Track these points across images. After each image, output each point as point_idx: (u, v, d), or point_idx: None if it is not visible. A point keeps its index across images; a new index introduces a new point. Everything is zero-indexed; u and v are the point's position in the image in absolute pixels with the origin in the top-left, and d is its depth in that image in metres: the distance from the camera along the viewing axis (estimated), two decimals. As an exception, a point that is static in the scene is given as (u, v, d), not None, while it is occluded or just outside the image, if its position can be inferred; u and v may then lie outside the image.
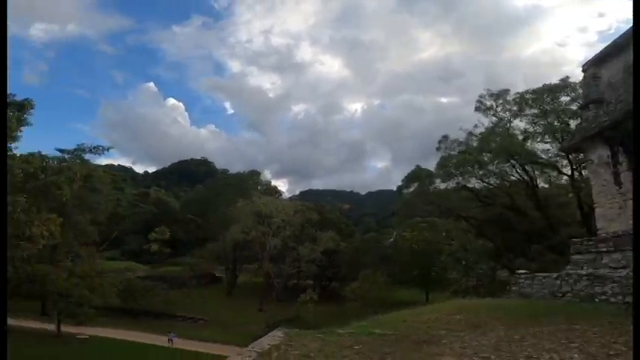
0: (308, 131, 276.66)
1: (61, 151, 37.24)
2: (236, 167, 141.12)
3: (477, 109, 34.64)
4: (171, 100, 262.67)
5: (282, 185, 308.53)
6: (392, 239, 53.40)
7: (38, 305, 37.34)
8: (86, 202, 37.57)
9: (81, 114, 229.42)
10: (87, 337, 31.16)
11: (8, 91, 26.24)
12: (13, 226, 27.37)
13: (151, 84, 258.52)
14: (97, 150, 38.34)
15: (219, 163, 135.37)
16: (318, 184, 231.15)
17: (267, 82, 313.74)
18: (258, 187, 68.48)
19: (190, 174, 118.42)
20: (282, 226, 51.10)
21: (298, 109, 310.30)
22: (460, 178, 33.71)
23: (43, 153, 32.83)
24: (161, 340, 32.00)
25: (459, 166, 32.78)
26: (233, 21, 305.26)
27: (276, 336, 8.34)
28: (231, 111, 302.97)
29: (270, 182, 79.87)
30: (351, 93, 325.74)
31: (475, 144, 33.97)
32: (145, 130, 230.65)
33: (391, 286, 44.71)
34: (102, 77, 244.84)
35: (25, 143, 30.88)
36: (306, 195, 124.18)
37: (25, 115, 26.41)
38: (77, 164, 35.09)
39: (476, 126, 34.92)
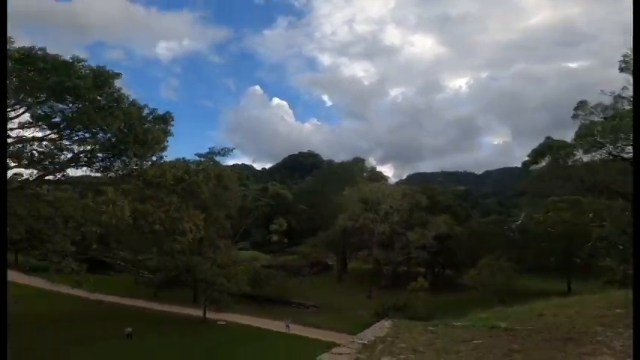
0: (409, 114, 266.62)
1: (198, 155, 42.72)
2: (341, 156, 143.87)
3: (622, 69, 28.54)
4: (276, 100, 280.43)
5: (387, 170, 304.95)
6: (519, 221, 47.63)
7: (191, 293, 41.03)
8: (220, 198, 42.22)
9: (210, 122, 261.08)
10: (225, 322, 34.11)
11: (153, 107, 30.70)
12: (168, 223, 32.17)
13: (257, 87, 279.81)
14: (224, 152, 42.95)
15: (325, 154, 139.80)
16: (426, 167, 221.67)
17: (359, 71, 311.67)
18: (364, 174, 68.16)
19: (300, 167, 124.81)
20: (389, 211, 49.96)
21: (395, 92, 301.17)
22: (611, 147, 28.04)
23: (186, 158, 37.71)
24: (279, 326, 33.80)
25: (610, 133, 27.21)
26: (315, 15, 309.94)
27: (382, 327, 7.61)
28: (329, 103, 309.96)
29: (375, 168, 79.00)
30: (451, 69, 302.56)
31: (627, 107, 28.00)
32: (259, 130, 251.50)
33: (518, 274, 39.85)
34: (218, 86, 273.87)
35: (170, 151, 35.87)
36: (414, 178, 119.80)
37: (168, 127, 30.49)
38: (210, 165, 39.50)
39: (624, 88, 28.74)
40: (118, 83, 27.26)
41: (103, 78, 25.66)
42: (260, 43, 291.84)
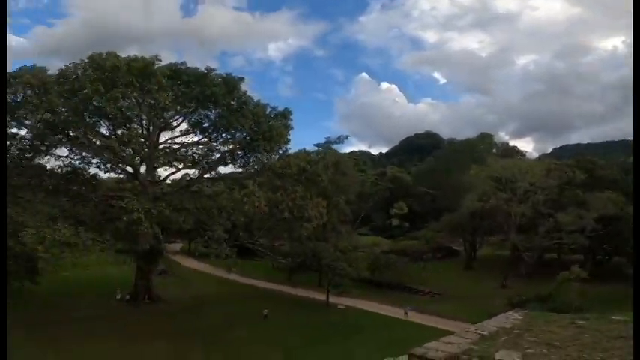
0: (546, 81, 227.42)
1: (317, 145, 45.11)
2: (464, 134, 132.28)
3: None
4: (385, 84, 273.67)
5: (525, 145, 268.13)
6: None
7: (316, 278, 41.78)
8: (339, 185, 43.73)
9: (324, 113, 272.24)
10: (344, 306, 34.55)
11: (273, 105, 33.24)
12: (296, 211, 34.82)
13: (364, 74, 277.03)
14: (340, 140, 44.42)
15: (445, 134, 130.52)
16: (578, 138, 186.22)
17: (472, 43, 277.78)
18: (493, 151, 61.23)
19: (418, 148, 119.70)
20: (530, 190, 43.36)
21: (524, 60, 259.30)
22: None
23: (307, 149, 40.20)
24: (397, 312, 32.75)
25: None
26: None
27: (509, 318, 6.60)
28: (442, 80, 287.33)
29: (508, 143, 70.12)
30: (596, 30, 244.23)
31: None
32: (372, 115, 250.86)
33: None
34: (327, 77, 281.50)
35: (293, 144, 38.61)
36: (564, 151, 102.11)
37: (288, 122, 32.84)
38: (328, 154, 41.14)
39: None
40: (243, 87, 30.69)
41: (231, 84, 29.16)
42: (358, 31, 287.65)
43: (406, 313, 32.18)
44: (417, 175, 77.27)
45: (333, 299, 35.06)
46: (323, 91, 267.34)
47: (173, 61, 29.75)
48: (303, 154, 35.70)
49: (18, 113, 24.32)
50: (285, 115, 32.24)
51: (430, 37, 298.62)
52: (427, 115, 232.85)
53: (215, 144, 32.36)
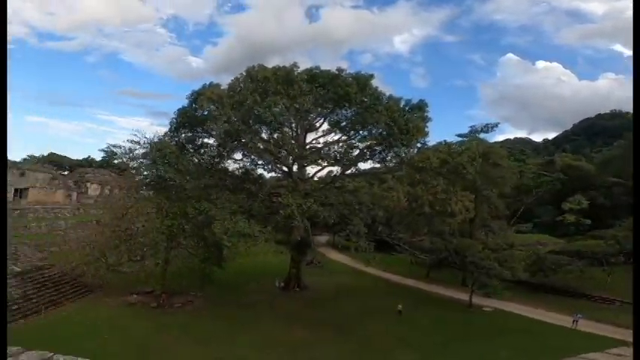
0: None
1: (459, 136, 41.68)
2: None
3: None
4: (542, 63, 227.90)
5: None
6: None
7: (460, 276, 39.15)
8: (490, 177, 39.26)
9: (466, 101, 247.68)
10: (491, 309, 31.06)
11: (407, 98, 32.30)
12: (437, 205, 33.04)
13: (510, 55, 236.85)
14: (488, 128, 39.73)
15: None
16: None
17: None
18: None
19: (601, 131, 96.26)
20: None
21: None
22: None
23: (447, 141, 37.55)
24: (563, 320, 27.43)
25: None
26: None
27: None
28: (627, 53, 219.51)
29: None
30: None
31: None
32: (527, 98, 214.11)
33: None
34: (463, 63, 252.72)
35: (432, 136, 36.72)
36: None
37: (424, 114, 31.42)
38: (474, 144, 37.45)
39: None
40: (374, 83, 30.80)
41: (362, 82, 29.73)
42: (495, 10, 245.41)
43: (575, 322, 26.76)
44: (602, 163, 62.42)
45: (477, 300, 31.92)
46: (461, 77, 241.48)
47: (308, 66, 32.27)
48: (443, 145, 33.56)
49: (206, 125, 30.64)
50: (420, 107, 31.01)
51: (595, 6, 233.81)
52: (610, 92, 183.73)
53: (353, 141, 33.38)
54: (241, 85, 29.20)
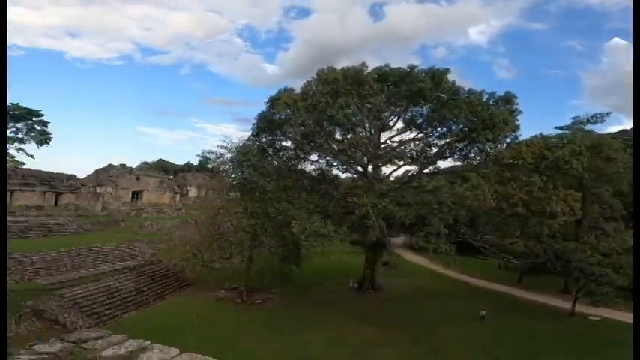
0: None
1: (559, 128, 36.33)
2: None
3: None
4: None
5: None
6: None
7: (559, 282, 35.53)
8: (602, 173, 33.52)
9: (565, 91, 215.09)
10: (598, 318, 27.22)
11: (490, 90, 29.22)
12: (534, 205, 29.19)
13: (617, 39, 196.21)
14: (595, 118, 33.85)
15: None
16: None
17: None
18: None
19: None
20: None
21: None
22: None
23: (544, 134, 33.06)
24: None
25: None
26: None
27: None
28: None
29: None
30: None
31: None
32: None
33: None
34: (558, 51, 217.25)
35: (525, 130, 32.69)
36: None
37: (513, 107, 28.21)
38: (577, 137, 32.42)
39: None
40: (450, 77, 28.66)
41: (437, 77, 27.87)
42: None
43: None
44: None
45: (582, 308, 28.00)
46: (556, 66, 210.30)
47: (376, 64, 31.37)
48: (539, 139, 29.64)
49: (283, 129, 31.95)
50: (507, 99, 27.91)
51: None
52: None
53: (431, 139, 31.68)
54: (313, 88, 29.69)
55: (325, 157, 34.51)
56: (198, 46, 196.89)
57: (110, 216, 41.59)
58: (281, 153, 34.50)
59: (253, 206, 29.33)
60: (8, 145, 45.19)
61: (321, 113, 28.21)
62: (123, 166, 47.92)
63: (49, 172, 39.33)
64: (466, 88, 28.79)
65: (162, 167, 66.44)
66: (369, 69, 30.20)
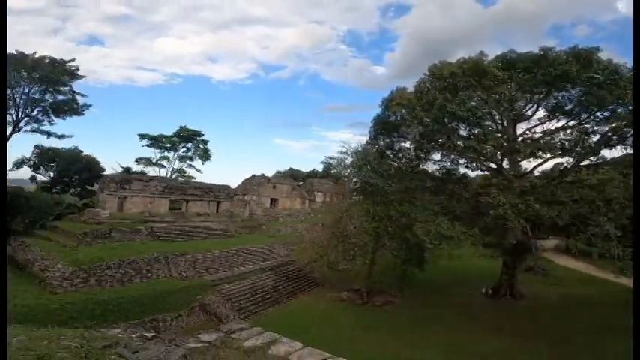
0: None
1: None
2: None
3: None
4: None
5: None
6: None
7: None
8: None
9: None
10: None
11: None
12: None
13: None
14: None
15: None
16: None
17: None
18: None
19: None
20: None
21: None
22: None
23: None
24: None
25: None
26: None
27: None
28: None
29: None
30: None
31: None
32: None
33: None
34: None
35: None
36: None
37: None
38: None
39: None
40: (603, 56, 23.38)
41: (583, 56, 22.97)
42: None
43: None
44: None
45: None
46: None
47: (497, 53, 27.67)
48: None
49: (400, 130, 30.94)
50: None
51: None
52: None
53: (588, 125, 26.10)
54: (427, 85, 28.02)
55: (450, 156, 32.09)
56: (309, 57, 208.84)
57: (254, 221, 47.39)
58: (400, 154, 33.55)
59: (375, 209, 29.28)
60: (185, 163, 56.65)
61: (440, 110, 26.35)
62: (262, 175, 54.21)
63: (210, 184, 47.27)
64: (628, 66, 22.93)
65: (292, 175, 72.71)
66: (490, 58, 27.08)
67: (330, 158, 77.78)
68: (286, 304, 29.00)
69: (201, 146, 56.78)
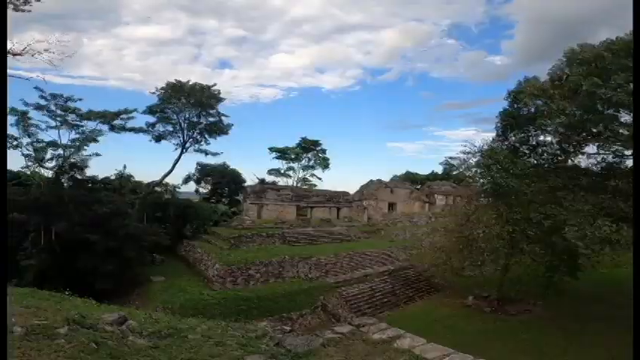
0: None
1: None
2: None
3: None
4: None
5: None
6: None
7: None
8: None
9: None
10: None
11: None
12: None
13: None
14: None
15: None
16: None
17: None
18: None
19: None
20: None
21: None
22: None
23: None
24: None
25: None
26: None
27: None
28: None
29: None
30: None
31: None
32: None
33: None
34: None
35: None
36: None
37: None
38: None
39: None
40: None
41: None
42: None
43: None
44: None
45: None
46: None
47: None
48: None
49: (537, 122, 26.70)
50: None
51: None
52: None
53: None
54: (566, 71, 23.83)
55: (610, 147, 26.29)
56: (414, 57, 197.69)
57: (373, 225, 47.46)
58: (540, 149, 29.01)
59: (509, 212, 26.14)
60: (308, 172, 60.73)
61: (590, 97, 22.05)
62: (379, 180, 53.98)
63: (331, 191, 49.45)
64: None
65: (409, 178, 70.11)
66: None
67: (451, 158, 72.96)
68: (404, 308, 28.25)
69: (321, 155, 59.87)
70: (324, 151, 59.88)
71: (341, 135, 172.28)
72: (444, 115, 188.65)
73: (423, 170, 79.40)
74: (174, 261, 34.25)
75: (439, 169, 74.05)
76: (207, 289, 25.89)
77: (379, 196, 51.59)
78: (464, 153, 29.51)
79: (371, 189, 51.47)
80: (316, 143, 59.28)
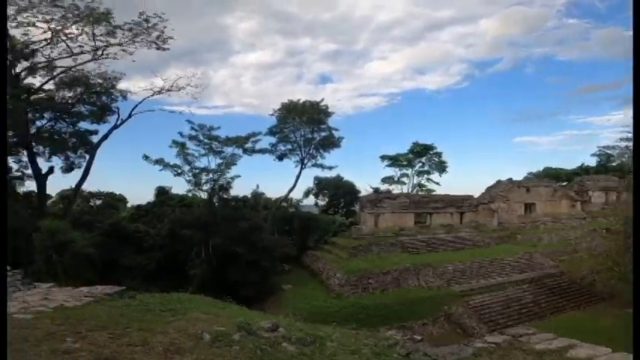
0: None
1: None
2: None
3: None
4: None
5: None
6: None
7: None
8: None
9: None
10: None
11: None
12: None
13: None
14: None
15: None
16: None
17: None
18: None
19: None
20: None
21: None
22: None
23: None
24: None
25: None
26: None
27: None
28: None
29: None
30: None
31: None
32: None
33: None
34: None
35: None
36: None
37: None
38: None
39: None
40: None
41: None
42: None
43: None
44: None
45: None
46: None
47: None
48: None
49: None
50: None
51: None
52: None
53: None
54: None
55: None
56: (528, 42, 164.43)
57: (506, 230, 41.47)
58: None
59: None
60: (423, 177, 57.67)
61: None
62: (510, 180, 47.11)
63: (452, 195, 45.58)
64: None
65: (549, 175, 58.69)
66: None
67: (607, 148, 58.88)
68: (550, 319, 23.42)
69: (436, 159, 56.03)
70: (439, 155, 55.87)
71: (457, 135, 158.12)
72: (583, 100, 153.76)
73: (567, 165, 65.48)
74: (299, 270, 36.31)
75: (591, 162, 60.68)
76: (329, 297, 26.52)
77: (511, 197, 44.84)
78: (625, 140, 23.27)
79: (500, 190, 45.23)
80: (429, 147, 55.86)
